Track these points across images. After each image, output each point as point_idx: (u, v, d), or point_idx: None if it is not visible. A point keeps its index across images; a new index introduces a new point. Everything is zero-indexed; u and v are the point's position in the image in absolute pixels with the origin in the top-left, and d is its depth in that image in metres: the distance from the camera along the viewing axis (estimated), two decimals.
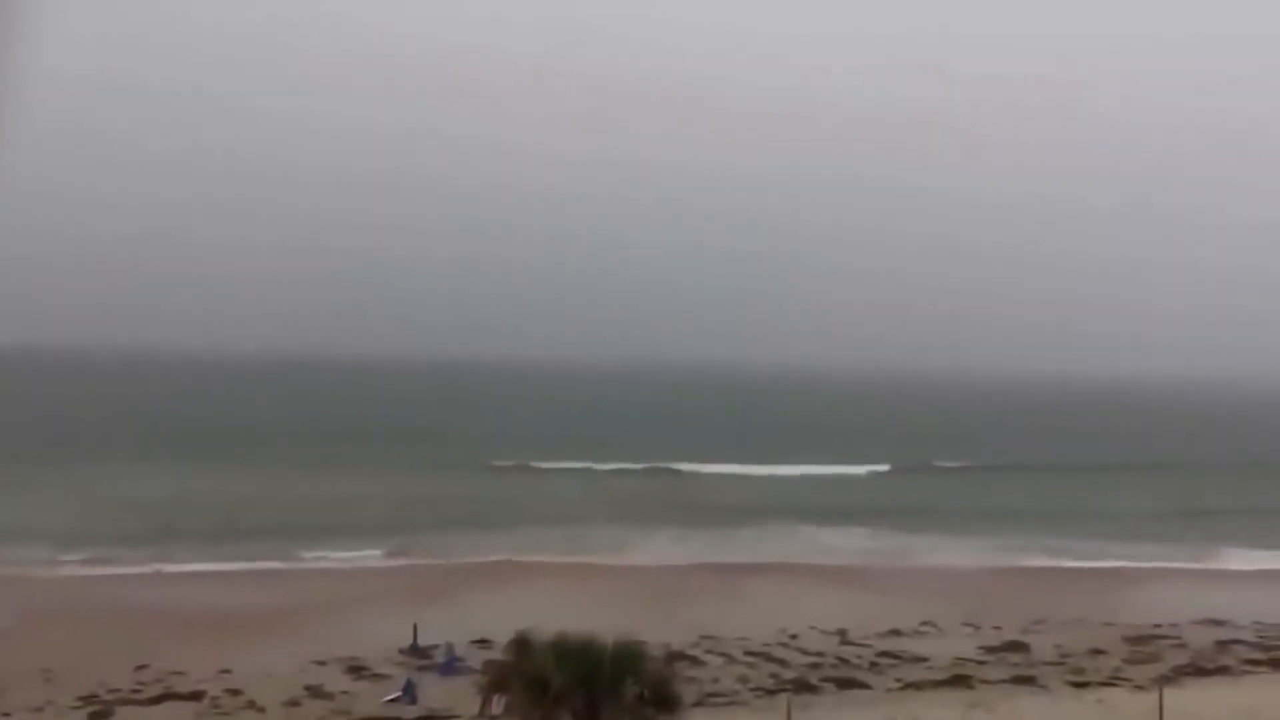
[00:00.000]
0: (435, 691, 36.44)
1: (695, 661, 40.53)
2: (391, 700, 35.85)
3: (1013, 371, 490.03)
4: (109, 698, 35.36)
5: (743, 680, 38.77)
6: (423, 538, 66.25)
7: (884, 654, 42.77)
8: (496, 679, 24.22)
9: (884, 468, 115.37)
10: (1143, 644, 45.08)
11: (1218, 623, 48.75)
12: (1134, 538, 72.48)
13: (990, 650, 43.78)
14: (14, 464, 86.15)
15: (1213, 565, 66.09)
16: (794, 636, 44.93)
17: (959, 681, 39.01)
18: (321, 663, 39.53)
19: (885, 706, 36.38)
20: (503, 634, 27.84)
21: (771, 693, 37.14)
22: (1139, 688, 37.96)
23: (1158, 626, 47.90)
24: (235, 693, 36.06)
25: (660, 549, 65.89)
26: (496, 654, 33.03)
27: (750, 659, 41.60)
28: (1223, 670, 41.39)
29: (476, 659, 38.46)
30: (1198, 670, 41.13)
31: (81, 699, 35.04)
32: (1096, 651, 43.70)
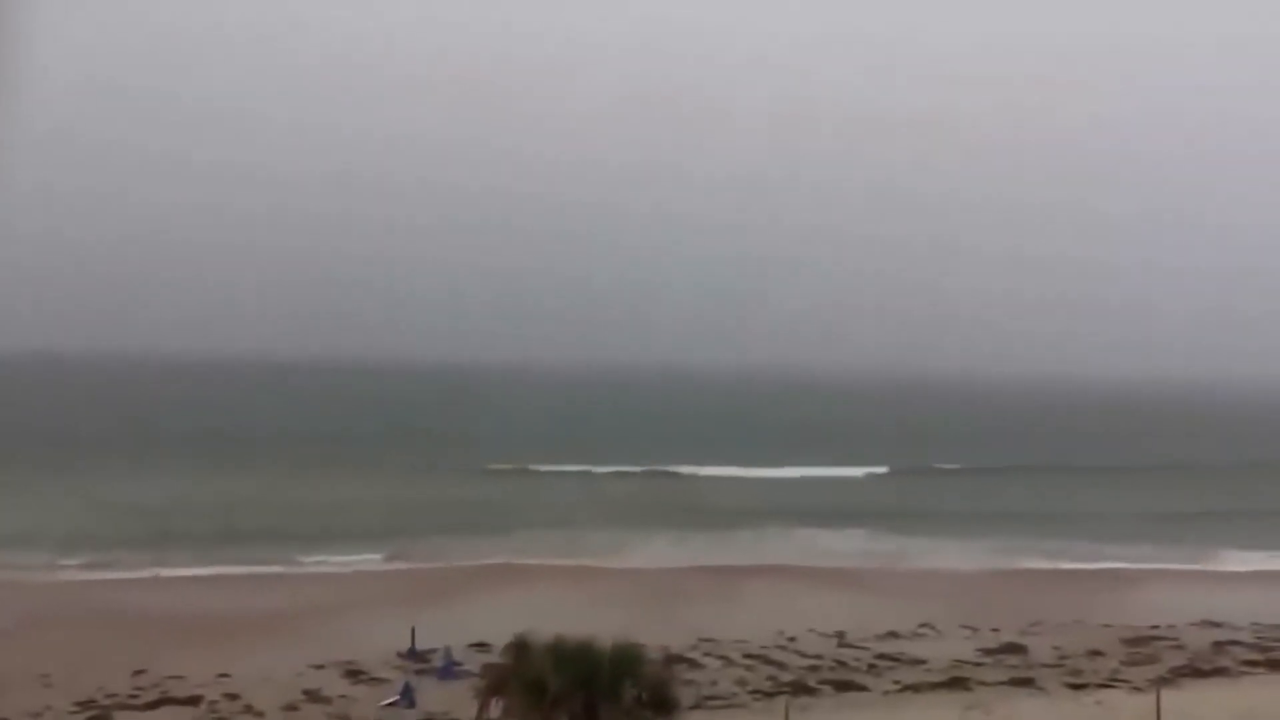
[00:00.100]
0: (433, 695, 36.46)
1: (693, 664, 40.59)
2: (390, 704, 35.86)
3: (1010, 373, 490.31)
4: (107, 702, 35.39)
5: (741, 683, 38.83)
6: (420, 541, 66.27)
7: (882, 656, 42.83)
8: (495, 682, 24.23)
9: (882, 470, 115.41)
10: (1140, 645, 45.18)
11: (1215, 624, 48.87)
12: (1131, 539, 72.59)
13: (988, 652, 43.86)
14: (13, 468, 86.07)
15: (1210, 567, 66.20)
16: (792, 639, 44.98)
17: (957, 683, 39.09)
18: (320, 667, 39.55)
19: (883, 708, 36.47)
20: (501, 637, 27.84)
21: (769, 695, 37.21)
22: (1137, 689, 38.06)
23: (1155, 628, 48.01)
24: (233, 697, 36.08)
25: (658, 552, 65.92)
26: (495, 657, 33.01)
27: (748, 661, 41.65)
28: (1220, 671, 41.50)
29: (475, 662, 38.44)
30: (1195, 671, 41.24)
31: (79, 704, 35.05)
32: (1094, 653, 43.80)
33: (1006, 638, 46.03)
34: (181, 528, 67.98)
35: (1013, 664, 42.19)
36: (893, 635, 46.09)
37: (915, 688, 38.69)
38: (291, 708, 35.37)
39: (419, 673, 39.23)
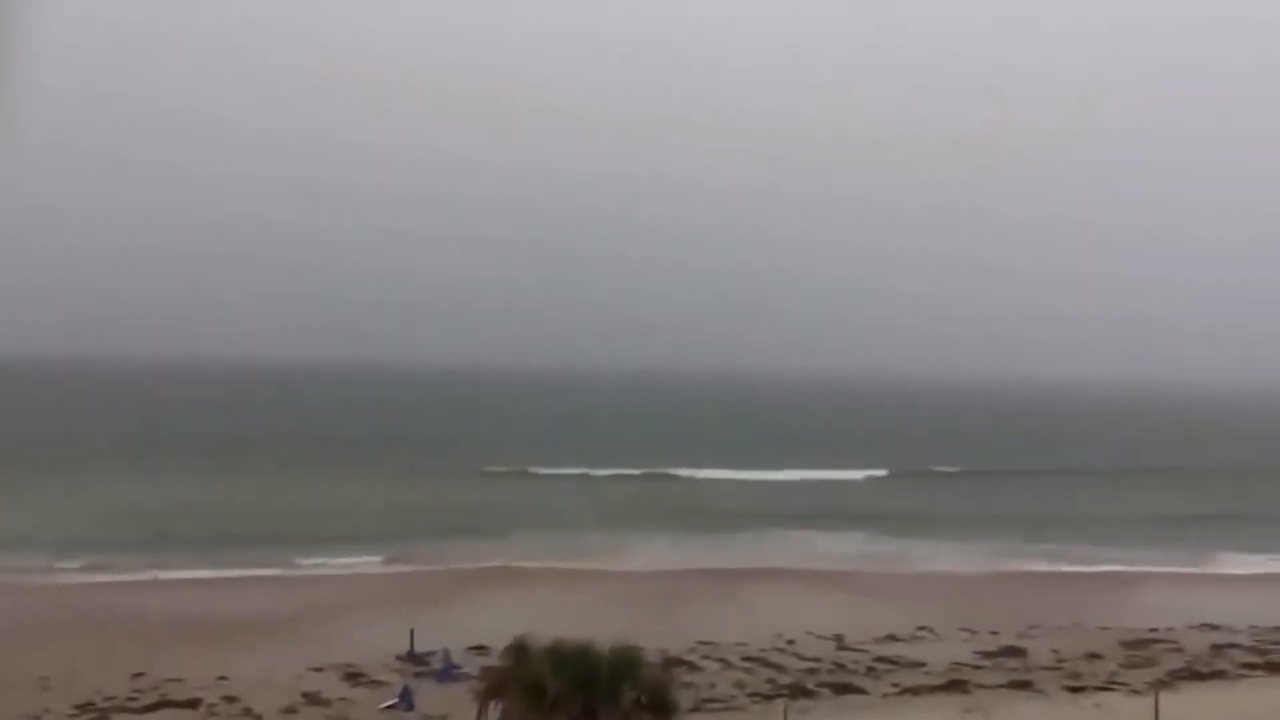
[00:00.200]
0: (432, 698, 36.44)
1: (692, 667, 40.59)
2: (388, 707, 35.88)
3: (1010, 378, 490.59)
4: (105, 705, 35.37)
5: (739, 686, 38.83)
6: (419, 544, 66.25)
7: (880, 659, 42.85)
8: (493, 685, 24.21)
9: (881, 473, 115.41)
10: (1139, 648, 45.21)
11: (1213, 627, 48.92)
12: (1130, 542, 72.62)
13: (987, 655, 43.87)
14: (12, 472, 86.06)
15: (1208, 570, 66.30)
16: (790, 642, 44.98)
17: (955, 686, 39.11)
18: (319, 669, 39.54)
19: (882, 711, 36.49)
20: (500, 640, 27.83)
21: (768, 698, 37.23)
22: (1135, 692, 38.13)
23: (1154, 631, 48.04)
24: (232, 700, 36.06)
25: (657, 554, 65.93)
26: (493, 660, 32.99)
27: (747, 664, 41.65)
28: (1218, 674, 41.53)
29: (473, 665, 38.49)
30: (1194, 674, 41.27)
31: (78, 707, 35.04)
32: (1093, 656, 43.82)
33: (1005, 640, 46.07)
34: (180, 530, 67.99)
35: (1011, 667, 42.20)
36: (891, 638, 46.09)
37: (914, 690, 38.71)
38: (290, 710, 35.36)
39: (418, 675, 39.24)
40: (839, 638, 45.80)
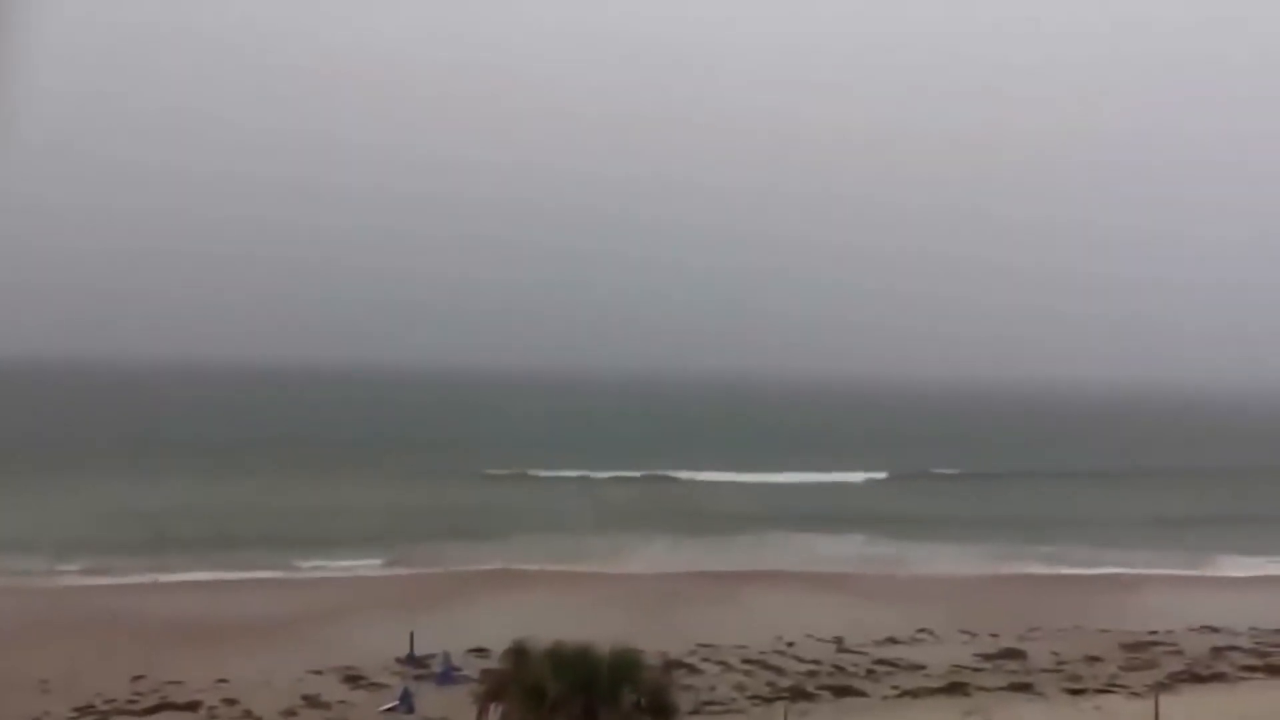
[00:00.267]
0: (432, 701, 36.44)
1: (692, 669, 40.59)
2: (388, 710, 35.87)
3: (1010, 379, 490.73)
4: (105, 708, 35.37)
5: (740, 688, 38.83)
6: (419, 546, 66.21)
7: (880, 661, 42.86)
8: (493, 688, 24.21)
9: (881, 475, 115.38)
10: (1139, 651, 45.20)
11: (1214, 629, 48.92)
12: (1130, 545, 72.57)
13: (987, 657, 43.87)
14: (12, 474, 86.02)
15: (1208, 572, 66.26)
16: (790, 644, 44.97)
17: (956, 689, 39.12)
18: (318, 672, 39.51)
19: (882, 714, 36.50)
20: (499, 642, 27.85)
21: (768, 701, 37.23)
22: (1135, 694, 38.15)
23: (1154, 633, 48.02)
24: (232, 702, 36.06)
25: (657, 557, 65.91)
26: (493, 663, 33.00)
27: (747, 667, 41.64)
28: (1219, 677, 41.52)
29: (473, 668, 38.53)
30: (1194, 677, 41.27)
31: (78, 709, 35.04)
32: (1093, 658, 43.81)
33: (1005, 643, 46.05)
34: (180, 533, 67.94)
35: (1012, 669, 42.19)
36: (891, 640, 46.08)
37: (914, 693, 38.72)
38: (290, 713, 35.37)
39: (418, 678, 39.23)
40: (839, 640, 45.80)
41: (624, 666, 22.24)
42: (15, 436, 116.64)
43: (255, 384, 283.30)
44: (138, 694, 36.83)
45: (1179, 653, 44.96)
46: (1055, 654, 44.39)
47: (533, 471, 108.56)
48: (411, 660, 41.27)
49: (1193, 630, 48.70)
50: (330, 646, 42.65)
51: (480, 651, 40.69)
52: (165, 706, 35.70)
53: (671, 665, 38.60)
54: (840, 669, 41.79)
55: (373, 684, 38.63)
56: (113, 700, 36.02)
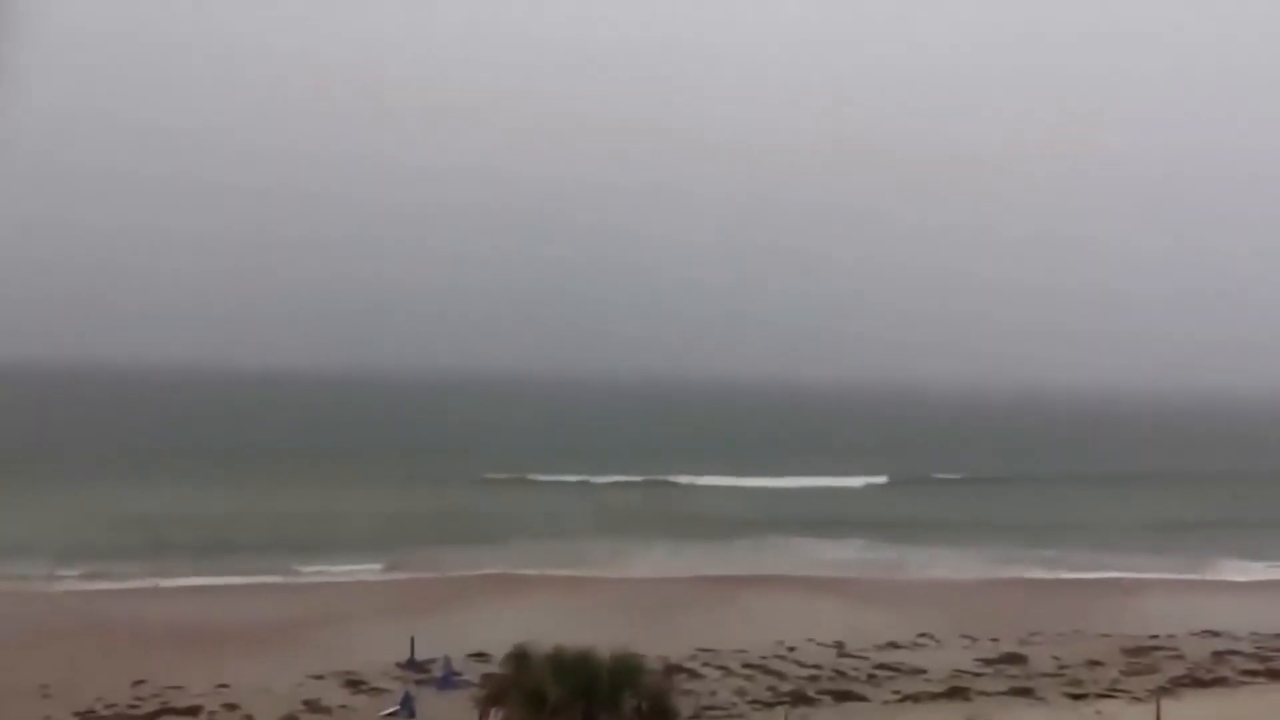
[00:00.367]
0: (433, 705, 36.44)
1: (693, 674, 40.58)
2: (389, 714, 35.87)
3: (1010, 385, 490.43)
4: (106, 713, 35.38)
5: (740, 693, 38.84)
6: (419, 551, 66.16)
7: (881, 666, 42.85)
8: (494, 692, 24.27)
9: (881, 480, 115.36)
10: (1140, 655, 45.20)
11: (1215, 634, 48.92)
12: (1131, 549, 72.54)
13: (988, 662, 43.88)
14: (12, 480, 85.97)
15: (1209, 576, 66.23)
16: (791, 649, 44.97)
17: (956, 693, 39.12)
18: (319, 677, 39.51)
19: (883, 718, 36.49)
20: (500, 647, 27.89)
21: (769, 705, 37.24)
22: (1136, 699, 38.16)
23: (1155, 638, 48.03)
24: (232, 707, 36.06)
25: (657, 561, 65.88)
26: (494, 667, 33.07)
27: (748, 671, 41.65)
28: (1220, 681, 41.54)
29: (474, 672, 38.57)
30: (1195, 681, 41.29)
31: (79, 714, 35.04)
32: (1094, 663, 43.81)
33: (1006, 647, 46.05)
34: (180, 538, 67.91)
35: (1012, 674, 42.19)
36: (892, 645, 46.08)
37: (915, 698, 38.73)
38: (291, 718, 35.36)
39: (418, 683, 39.21)
40: (839, 645, 45.80)
41: (625, 671, 22.28)
42: (17, 442, 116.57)
43: (256, 390, 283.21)
44: (138, 699, 36.82)
45: (1180, 657, 44.97)
46: (1056, 658, 44.37)
47: (532, 476, 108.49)
48: (412, 665, 41.27)
49: (1194, 635, 48.71)
50: (331, 651, 42.63)
51: (481, 656, 40.70)
52: (166, 711, 35.71)
53: (672, 670, 38.53)
54: (841, 673, 41.78)
55: (373, 689, 38.62)
56: (113, 705, 36.02)
